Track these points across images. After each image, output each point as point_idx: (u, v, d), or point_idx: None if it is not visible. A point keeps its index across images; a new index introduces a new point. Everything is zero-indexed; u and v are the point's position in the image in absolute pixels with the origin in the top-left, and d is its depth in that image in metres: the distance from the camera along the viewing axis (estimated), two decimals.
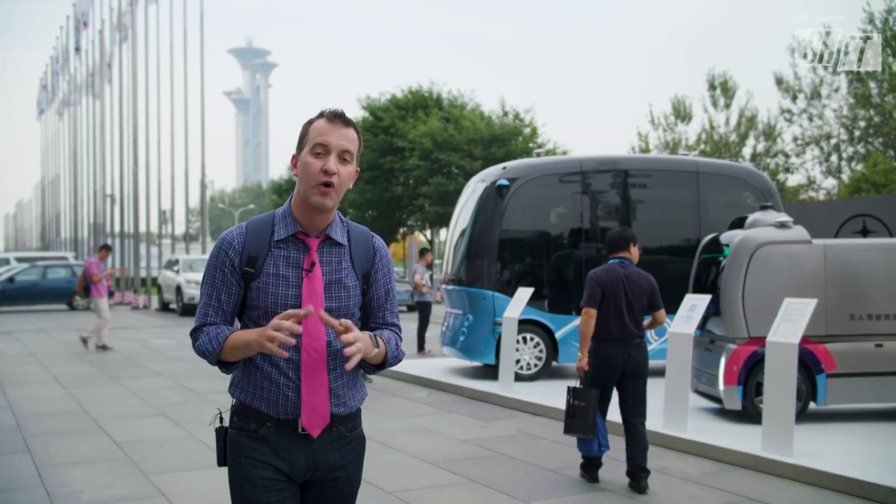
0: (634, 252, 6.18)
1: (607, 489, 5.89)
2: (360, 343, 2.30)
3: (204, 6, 28.72)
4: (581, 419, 5.93)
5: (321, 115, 2.45)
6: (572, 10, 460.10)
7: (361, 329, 2.53)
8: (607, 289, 5.96)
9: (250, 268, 2.42)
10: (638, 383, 5.96)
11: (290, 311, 2.27)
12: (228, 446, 2.48)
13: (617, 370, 5.93)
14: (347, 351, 2.27)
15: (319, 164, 2.38)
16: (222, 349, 2.41)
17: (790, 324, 6.50)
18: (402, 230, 36.69)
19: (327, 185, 2.38)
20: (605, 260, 11.15)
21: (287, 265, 2.42)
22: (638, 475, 5.83)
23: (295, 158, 2.47)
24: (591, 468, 6.12)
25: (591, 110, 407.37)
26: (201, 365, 11.80)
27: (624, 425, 6.02)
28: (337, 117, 2.42)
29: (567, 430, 6.01)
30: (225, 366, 2.47)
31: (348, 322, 2.30)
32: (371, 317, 2.58)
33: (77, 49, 42.68)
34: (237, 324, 2.54)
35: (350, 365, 2.30)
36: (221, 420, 2.55)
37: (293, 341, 2.27)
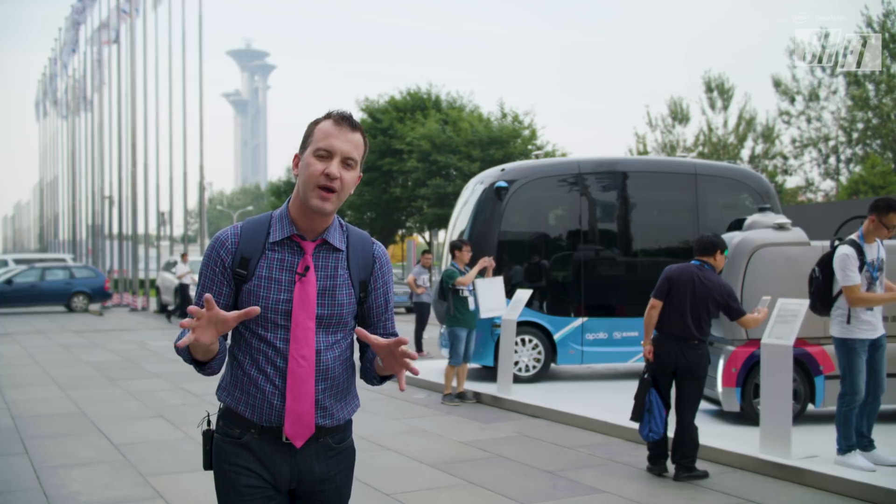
0: (720, 259, 6.35)
1: (606, 491, 5.89)
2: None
3: (202, 8, 28.68)
4: (636, 403, 6.23)
5: (328, 115, 2.36)
6: (574, 12, 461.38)
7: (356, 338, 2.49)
8: (675, 285, 6.18)
9: (242, 269, 2.33)
10: (691, 383, 6.16)
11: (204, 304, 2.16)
12: (214, 451, 2.42)
13: (669, 365, 6.16)
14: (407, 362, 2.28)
15: (322, 166, 2.29)
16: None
17: (784, 325, 6.49)
18: (400, 232, 36.66)
19: (327, 189, 2.30)
20: (603, 261, 11.35)
21: (280, 268, 2.34)
22: (677, 463, 6.13)
23: (297, 158, 2.38)
24: (654, 459, 6.29)
25: (592, 112, 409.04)
26: None
27: (676, 418, 6.23)
28: (344, 120, 2.34)
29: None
30: (200, 366, 2.35)
31: (401, 339, 2.29)
32: (371, 327, 2.49)
33: (76, 51, 42.72)
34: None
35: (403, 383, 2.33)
36: (209, 423, 2.50)
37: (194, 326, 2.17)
